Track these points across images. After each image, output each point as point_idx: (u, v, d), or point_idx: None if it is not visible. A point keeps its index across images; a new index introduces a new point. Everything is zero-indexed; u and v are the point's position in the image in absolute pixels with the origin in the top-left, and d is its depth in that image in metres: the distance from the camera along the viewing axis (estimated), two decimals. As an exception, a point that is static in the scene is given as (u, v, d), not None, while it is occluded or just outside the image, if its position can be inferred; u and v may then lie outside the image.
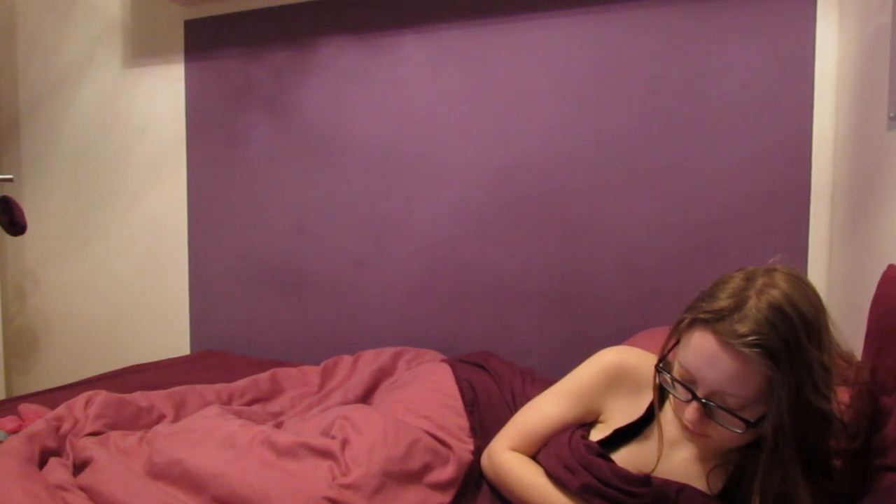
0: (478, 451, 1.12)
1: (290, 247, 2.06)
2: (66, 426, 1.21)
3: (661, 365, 0.88)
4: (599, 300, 1.69)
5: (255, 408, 1.44)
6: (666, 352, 0.89)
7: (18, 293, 2.54)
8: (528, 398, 1.13)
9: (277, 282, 2.08)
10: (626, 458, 0.94)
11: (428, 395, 1.24)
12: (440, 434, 1.12)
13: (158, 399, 1.39)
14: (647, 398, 0.96)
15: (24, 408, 1.35)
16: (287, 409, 1.45)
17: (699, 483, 0.90)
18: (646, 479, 0.87)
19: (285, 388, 1.57)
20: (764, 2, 1.51)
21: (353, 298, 1.98)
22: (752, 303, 0.77)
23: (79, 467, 1.09)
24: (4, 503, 0.91)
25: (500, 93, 1.77)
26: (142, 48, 2.24)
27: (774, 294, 0.77)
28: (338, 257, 2.00)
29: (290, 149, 2.04)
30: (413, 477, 1.01)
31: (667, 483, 0.87)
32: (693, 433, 0.84)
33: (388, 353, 1.58)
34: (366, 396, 1.43)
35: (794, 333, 0.75)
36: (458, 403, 1.22)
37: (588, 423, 1.02)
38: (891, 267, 1.00)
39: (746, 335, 0.75)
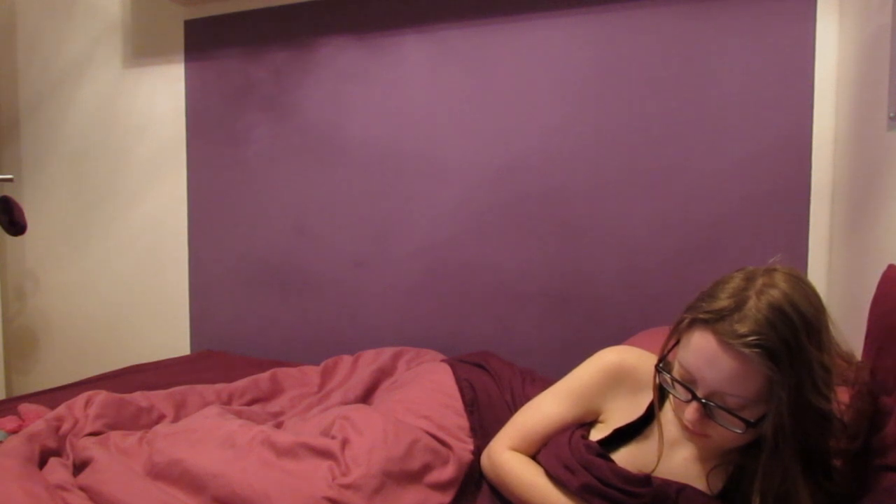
0: (478, 451, 1.12)
1: (290, 247, 2.06)
2: (66, 426, 1.21)
3: (661, 365, 0.88)
4: (599, 300, 1.69)
5: (255, 408, 1.44)
6: (666, 352, 0.89)
7: (18, 293, 2.54)
8: (527, 398, 1.13)
9: (277, 282, 2.09)
10: (626, 458, 0.94)
11: (428, 395, 1.24)
12: (440, 434, 1.12)
13: (158, 399, 1.39)
14: (647, 398, 0.96)
15: (24, 408, 1.35)
16: (287, 409, 1.45)
17: (699, 483, 0.90)
18: (646, 479, 0.87)
19: (285, 388, 1.57)
20: (764, 2, 1.51)
21: (353, 298, 1.98)
22: (752, 303, 0.77)
23: (79, 467, 1.09)
24: (4, 503, 0.91)
25: (500, 93, 1.77)
26: (142, 48, 2.24)
27: (774, 294, 0.77)
28: (338, 257, 2.00)
29: (290, 149, 2.04)
30: (413, 477, 1.01)
31: (667, 483, 0.87)
32: (693, 433, 0.84)
33: (388, 353, 1.58)
34: (366, 396, 1.43)
35: (794, 333, 0.75)
36: (458, 403, 1.22)
37: (588, 423, 1.02)
38: (891, 267, 1.00)
39: (746, 335, 0.75)
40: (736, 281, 0.82)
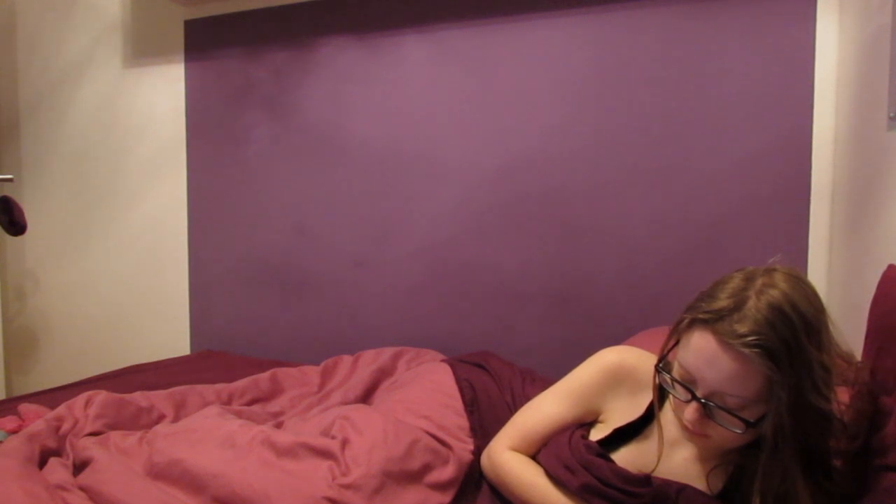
0: (478, 451, 1.12)
1: (290, 247, 2.06)
2: (66, 426, 1.21)
3: (660, 365, 0.88)
4: (599, 300, 1.69)
5: (255, 408, 1.44)
6: (666, 352, 0.89)
7: (18, 293, 2.54)
8: (527, 398, 1.13)
9: (277, 282, 2.09)
10: (626, 458, 0.94)
11: (428, 395, 1.25)
12: (440, 434, 1.12)
13: (158, 399, 1.39)
14: (647, 398, 0.96)
15: (24, 408, 1.35)
16: (287, 409, 1.45)
17: (699, 483, 0.90)
18: (646, 479, 0.87)
19: (285, 388, 1.57)
20: (764, 2, 1.51)
21: (353, 298, 1.98)
22: (751, 303, 0.77)
23: (79, 467, 1.09)
24: (4, 503, 0.91)
25: (500, 93, 1.77)
26: (142, 48, 2.24)
27: (774, 294, 0.77)
28: (338, 257, 2.00)
29: (290, 149, 2.04)
30: (413, 477, 1.01)
31: (667, 483, 0.87)
32: (693, 433, 0.84)
33: (388, 353, 1.58)
34: (366, 396, 1.43)
35: (793, 333, 0.75)
36: (458, 403, 1.22)
37: (588, 423, 1.02)
38: (891, 267, 1.00)
39: (746, 335, 0.75)
40: (736, 281, 0.82)
